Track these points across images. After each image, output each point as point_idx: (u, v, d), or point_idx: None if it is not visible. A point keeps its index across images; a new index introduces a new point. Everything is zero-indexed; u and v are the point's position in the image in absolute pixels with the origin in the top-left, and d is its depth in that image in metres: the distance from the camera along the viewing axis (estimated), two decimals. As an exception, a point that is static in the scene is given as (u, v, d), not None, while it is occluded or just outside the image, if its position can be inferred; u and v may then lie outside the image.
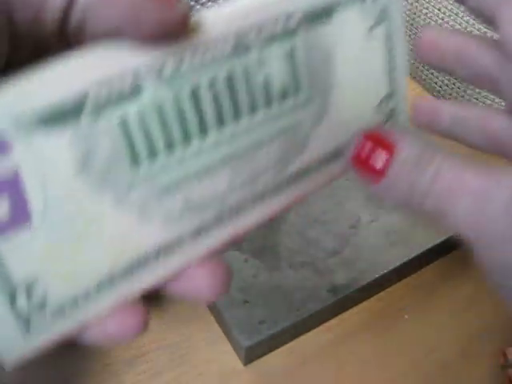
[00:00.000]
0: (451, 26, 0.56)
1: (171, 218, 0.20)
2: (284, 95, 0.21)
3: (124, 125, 0.17)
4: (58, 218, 0.17)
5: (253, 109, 0.20)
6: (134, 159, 0.18)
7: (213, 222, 0.21)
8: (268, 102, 0.21)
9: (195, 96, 0.19)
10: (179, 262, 0.21)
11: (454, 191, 0.19)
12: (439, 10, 0.57)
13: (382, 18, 0.22)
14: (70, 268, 0.18)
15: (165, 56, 0.18)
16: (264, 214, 0.22)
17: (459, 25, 0.55)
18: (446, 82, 0.60)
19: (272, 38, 0.20)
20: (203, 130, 0.19)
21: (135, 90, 0.17)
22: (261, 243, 0.43)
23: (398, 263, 0.42)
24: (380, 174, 0.20)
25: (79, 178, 0.17)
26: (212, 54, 0.19)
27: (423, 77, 0.62)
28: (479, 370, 0.40)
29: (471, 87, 0.57)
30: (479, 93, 0.56)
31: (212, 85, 0.19)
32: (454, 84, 0.59)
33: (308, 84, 0.21)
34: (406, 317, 0.42)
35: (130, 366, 0.38)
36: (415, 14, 0.60)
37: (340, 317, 0.42)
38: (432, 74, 0.61)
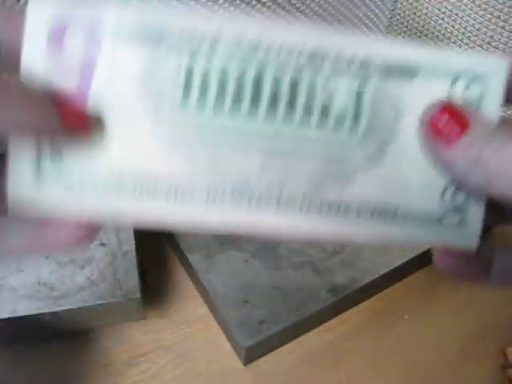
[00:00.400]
0: (451, 26, 0.56)
1: (193, 160, 0.22)
2: (340, 123, 0.22)
3: (190, 71, 0.21)
4: (106, 108, 0.21)
5: (305, 119, 0.22)
6: (185, 101, 0.21)
7: (229, 197, 0.22)
8: (322, 121, 0.22)
9: (257, 81, 0.21)
10: (176, 210, 0.22)
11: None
12: (439, 9, 0.57)
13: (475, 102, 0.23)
14: (93, 153, 0.21)
15: (247, 33, 0.21)
16: (280, 226, 0.23)
17: (459, 25, 0.55)
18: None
19: (346, 70, 0.21)
20: (253, 111, 0.21)
21: (211, 50, 0.21)
22: (261, 243, 0.43)
23: (398, 263, 0.42)
24: (450, 142, 0.21)
25: (135, 89, 0.21)
26: (286, 54, 0.21)
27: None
28: (479, 370, 0.40)
29: None
30: None
31: (276, 81, 0.21)
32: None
33: (368, 126, 0.22)
34: (406, 317, 0.42)
35: (130, 366, 0.38)
36: (415, 13, 0.60)
37: (340, 317, 0.42)
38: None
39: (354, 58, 0.21)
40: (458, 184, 0.23)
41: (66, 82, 0.20)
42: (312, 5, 0.54)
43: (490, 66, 0.22)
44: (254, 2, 0.50)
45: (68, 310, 0.37)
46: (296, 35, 0.21)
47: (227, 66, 0.21)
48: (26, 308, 0.37)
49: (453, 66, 0.22)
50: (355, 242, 0.23)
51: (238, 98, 0.21)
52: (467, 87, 0.22)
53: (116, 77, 0.21)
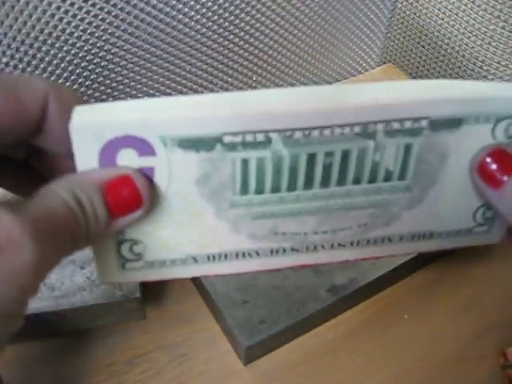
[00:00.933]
0: (451, 26, 0.56)
1: (256, 235, 0.24)
2: (387, 179, 0.23)
3: (245, 163, 0.22)
4: (171, 204, 0.22)
5: (356, 181, 0.23)
6: (243, 189, 0.22)
7: (289, 250, 0.24)
8: (371, 180, 0.23)
9: (311, 160, 0.22)
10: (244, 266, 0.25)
11: None
12: (439, 10, 0.57)
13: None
14: (168, 242, 0.24)
15: (297, 125, 0.21)
16: (336, 258, 0.25)
17: (459, 25, 0.55)
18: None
19: (395, 133, 0.22)
20: (308, 185, 0.23)
21: (265, 142, 0.21)
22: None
23: (398, 263, 0.42)
24: (498, 185, 0.23)
25: (196, 187, 0.22)
26: (338, 132, 0.21)
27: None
28: (479, 370, 0.40)
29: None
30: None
31: (328, 155, 0.22)
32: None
33: (413, 176, 0.23)
34: (406, 317, 0.42)
35: (130, 366, 0.38)
36: (415, 13, 0.60)
37: (340, 317, 0.42)
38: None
39: (407, 118, 0.22)
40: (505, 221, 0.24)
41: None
42: (312, 5, 0.54)
43: None
44: (254, 2, 0.50)
45: (68, 309, 0.37)
46: (347, 114, 0.21)
47: (281, 152, 0.21)
48: (26, 308, 0.37)
49: (495, 111, 0.23)
50: (392, 255, 0.25)
51: (294, 177, 0.22)
52: (509, 127, 0.23)
53: (176, 177, 0.22)
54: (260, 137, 0.21)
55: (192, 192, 0.22)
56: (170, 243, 0.23)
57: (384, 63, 0.67)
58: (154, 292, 0.42)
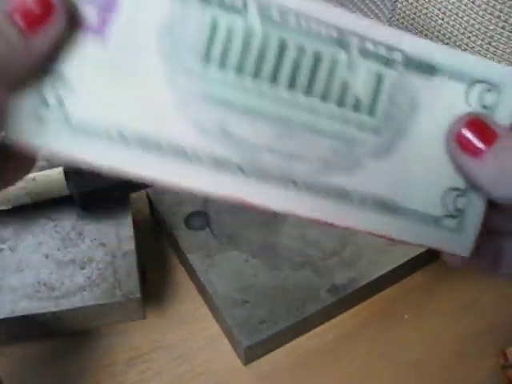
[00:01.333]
0: (451, 26, 0.56)
1: (202, 126, 0.21)
2: (356, 107, 0.22)
3: (214, 24, 0.20)
4: (119, 46, 0.20)
5: (323, 97, 0.22)
6: (204, 57, 0.20)
7: (235, 169, 0.21)
8: (339, 102, 0.22)
9: (281, 48, 0.21)
10: (174, 171, 0.21)
11: None
12: (439, 10, 0.57)
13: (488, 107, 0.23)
14: (99, 96, 0.20)
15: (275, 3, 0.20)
16: (283, 203, 0.22)
17: (459, 25, 0.55)
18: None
19: (369, 55, 0.22)
20: (274, 78, 0.21)
21: (241, 9, 0.20)
22: (261, 243, 0.43)
23: (398, 263, 0.42)
24: (477, 155, 0.22)
25: (155, 33, 0.20)
26: (314, 28, 0.21)
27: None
28: (479, 370, 0.40)
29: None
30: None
31: (300, 50, 0.21)
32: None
33: (383, 116, 0.22)
34: (406, 317, 0.42)
35: (130, 366, 0.38)
36: (415, 14, 0.60)
37: (340, 317, 0.42)
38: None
39: (382, 42, 0.22)
40: (485, 193, 0.23)
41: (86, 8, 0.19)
42: (312, 5, 0.54)
43: (507, 77, 0.23)
44: None
45: (68, 310, 0.37)
46: (327, 12, 0.21)
47: (254, 26, 0.21)
48: (25, 308, 0.37)
49: (471, 71, 0.22)
50: (352, 228, 0.23)
51: (261, 61, 0.21)
52: (482, 94, 0.23)
53: (139, 17, 0.20)
54: (238, 0, 0.20)
55: (149, 38, 0.20)
56: (100, 99, 0.20)
57: (384, 63, 0.67)
58: (154, 292, 0.42)
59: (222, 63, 0.21)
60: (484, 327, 0.42)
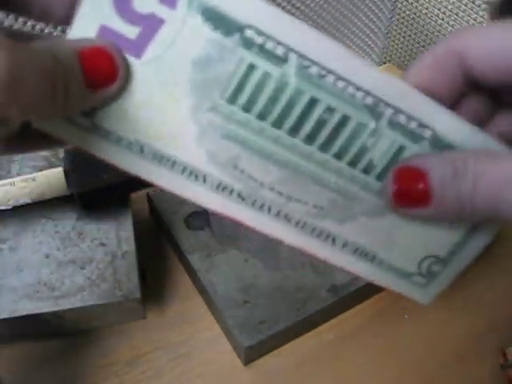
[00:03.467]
0: (451, 26, 0.56)
1: (215, 157, 0.22)
2: (367, 170, 0.22)
3: (250, 69, 0.21)
4: (155, 71, 0.21)
5: (338, 155, 0.22)
6: (232, 98, 0.21)
7: (235, 196, 0.23)
8: (352, 162, 0.22)
9: (311, 105, 0.21)
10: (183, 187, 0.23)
11: (497, 182, 0.20)
12: (439, 10, 0.57)
13: None
14: (127, 111, 0.21)
15: (318, 58, 0.21)
16: (275, 230, 0.24)
17: (459, 25, 0.55)
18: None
19: (398, 127, 0.22)
20: (294, 131, 0.22)
21: (281, 59, 0.21)
22: (261, 243, 0.43)
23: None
24: (425, 200, 0.21)
25: (190, 66, 0.21)
26: (350, 92, 0.21)
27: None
28: (479, 369, 0.40)
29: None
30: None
31: (328, 111, 0.21)
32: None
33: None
34: (406, 317, 0.42)
35: (130, 366, 0.38)
36: (415, 14, 0.60)
37: (340, 317, 0.42)
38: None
39: (414, 117, 0.21)
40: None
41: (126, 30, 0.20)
42: (312, 5, 0.54)
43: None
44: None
45: (68, 310, 0.37)
46: (365, 77, 0.21)
47: (290, 78, 0.21)
48: (25, 308, 0.37)
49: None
50: (329, 263, 0.24)
51: (286, 113, 0.21)
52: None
53: (179, 46, 0.20)
54: (279, 50, 0.20)
55: (184, 70, 0.21)
56: (128, 113, 0.21)
57: (384, 63, 0.67)
58: (154, 292, 0.42)
59: (248, 108, 0.21)
60: (484, 327, 0.42)
